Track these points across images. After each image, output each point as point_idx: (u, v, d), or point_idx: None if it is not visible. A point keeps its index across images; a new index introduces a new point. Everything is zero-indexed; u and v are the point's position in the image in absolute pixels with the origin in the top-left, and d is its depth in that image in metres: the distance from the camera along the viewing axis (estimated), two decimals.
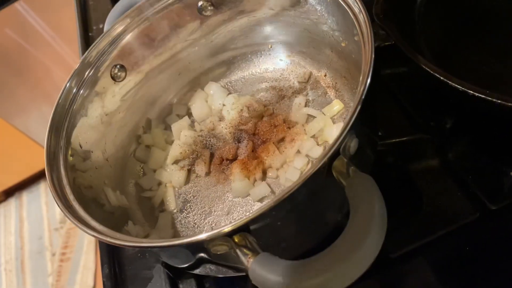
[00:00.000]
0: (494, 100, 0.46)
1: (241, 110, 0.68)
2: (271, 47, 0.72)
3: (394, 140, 0.59)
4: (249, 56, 0.73)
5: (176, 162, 0.68)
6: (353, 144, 0.43)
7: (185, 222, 0.62)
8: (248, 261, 0.39)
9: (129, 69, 0.67)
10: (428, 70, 0.51)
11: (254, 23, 0.69)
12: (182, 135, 0.69)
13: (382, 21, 0.58)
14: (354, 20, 0.50)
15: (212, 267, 0.50)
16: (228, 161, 0.64)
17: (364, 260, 0.36)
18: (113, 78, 0.65)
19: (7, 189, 2.19)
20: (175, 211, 0.63)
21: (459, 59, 0.63)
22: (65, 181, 0.53)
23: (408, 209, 0.56)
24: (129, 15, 0.66)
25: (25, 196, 2.22)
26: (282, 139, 0.63)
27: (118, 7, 0.69)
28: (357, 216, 0.38)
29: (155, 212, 0.64)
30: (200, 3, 0.67)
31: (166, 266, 0.59)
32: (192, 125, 0.71)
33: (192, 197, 0.64)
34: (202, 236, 0.40)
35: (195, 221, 0.62)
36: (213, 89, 0.72)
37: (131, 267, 0.63)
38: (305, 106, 0.66)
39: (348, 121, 0.41)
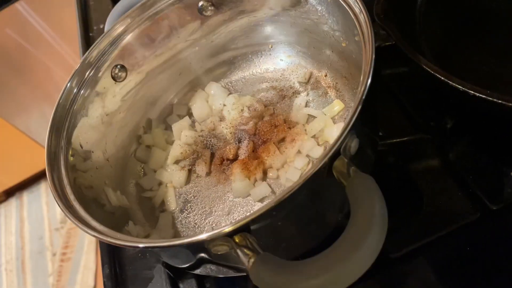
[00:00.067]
0: (495, 100, 0.46)
1: (242, 110, 0.68)
2: (271, 47, 0.72)
3: (394, 140, 0.59)
4: (250, 56, 0.73)
5: (176, 162, 0.68)
6: (353, 144, 0.43)
7: (185, 222, 0.62)
8: (249, 261, 0.39)
9: (130, 69, 0.67)
10: (429, 70, 0.51)
11: (254, 23, 0.69)
12: (182, 135, 0.69)
13: (383, 21, 0.58)
14: (354, 20, 0.50)
15: (213, 267, 0.50)
16: (228, 161, 0.64)
17: (364, 260, 0.36)
18: (113, 78, 0.65)
19: (8, 189, 2.20)
20: (175, 211, 0.63)
21: (459, 59, 0.63)
22: (65, 181, 0.53)
23: (408, 209, 0.56)
24: (130, 15, 0.66)
25: (26, 196, 2.22)
26: (283, 139, 0.63)
27: (118, 7, 0.69)
28: (357, 216, 0.38)
29: (156, 212, 0.64)
30: (200, 3, 0.67)
31: (167, 266, 0.60)
32: (192, 125, 0.71)
33: (192, 197, 0.64)
34: (203, 236, 0.40)
35: (196, 221, 0.62)
36: (214, 89, 0.72)
37: (132, 267, 0.63)
38: (306, 106, 0.66)
39: (348, 121, 0.41)
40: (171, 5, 0.67)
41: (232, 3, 0.67)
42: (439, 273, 0.50)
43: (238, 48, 0.73)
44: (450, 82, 0.49)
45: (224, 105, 0.70)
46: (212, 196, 0.63)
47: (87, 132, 0.61)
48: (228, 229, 0.40)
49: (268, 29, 0.70)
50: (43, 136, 0.56)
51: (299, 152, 0.61)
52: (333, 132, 0.60)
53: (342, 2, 0.53)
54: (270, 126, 0.64)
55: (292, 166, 0.60)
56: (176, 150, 0.68)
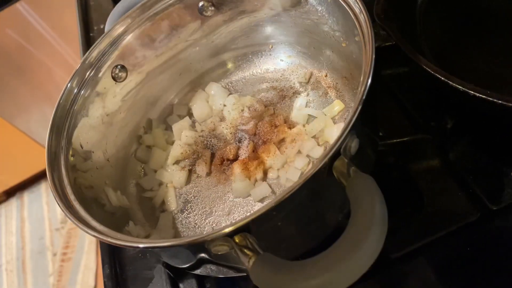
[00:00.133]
0: (495, 100, 0.46)
1: (242, 110, 0.68)
2: (271, 47, 0.72)
3: (394, 140, 0.59)
4: (250, 56, 0.73)
5: (177, 162, 0.68)
6: (353, 144, 0.43)
7: (186, 222, 0.62)
8: (249, 261, 0.39)
9: (130, 70, 0.67)
10: (429, 70, 0.51)
11: (255, 24, 0.69)
12: (183, 135, 0.69)
13: (383, 21, 0.58)
14: (355, 20, 0.50)
15: (213, 267, 0.50)
16: (229, 162, 0.64)
17: (364, 260, 0.36)
18: (114, 78, 0.65)
19: (8, 189, 2.20)
20: (176, 211, 0.63)
21: (459, 59, 0.63)
22: (66, 181, 0.53)
23: (408, 209, 0.56)
24: (130, 16, 0.66)
25: (26, 196, 2.22)
26: (283, 140, 0.63)
27: (119, 7, 0.69)
28: (357, 216, 0.38)
29: (156, 212, 0.64)
30: (201, 4, 0.67)
31: (167, 266, 0.60)
32: (193, 126, 0.71)
33: (193, 197, 0.64)
34: (203, 236, 0.40)
35: (196, 221, 0.62)
36: (214, 90, 0.72)
37: (132, 267, 0.63)
38: (306, 106, 0.66)
39: (349, 121, 0.41)
40: (171, 5, 0.67)
41: (233, 3, 0.67)
42: (439, 273, 0.50)
43: (238, 48, 0.73)
44: (450, 82, 0.49)
45: (225, 105, 0.70)
46: (213, 196, 0.63)
47: (88, 132, 0.62)
48: (228, 229, 0.40)
49: (269, 29, 0.70)
50: (44, 136, 0.56)
51: (299, 152, 0.61)
52: (333, 132, 0.60)
53: (342, 3, 0.53)
54: (270, 126, 0.64)
55: (292, 166, 0.60)
56: (176, 150, 0.68)
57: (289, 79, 0.70)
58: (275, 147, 0.62)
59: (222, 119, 0.70)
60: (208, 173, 0.65)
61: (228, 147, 0.65)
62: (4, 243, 2.11)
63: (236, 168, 0.61)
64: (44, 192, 2.20)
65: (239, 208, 0.60)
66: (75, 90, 0.61)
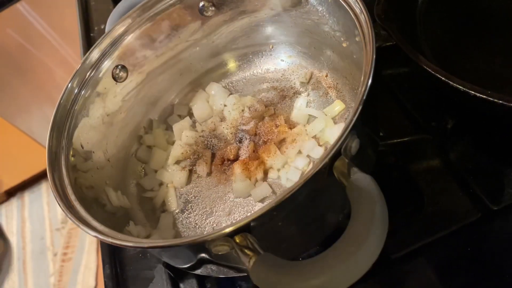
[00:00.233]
0: (496, 100, 0.46)
1: (242, 110, 0.68)
2: (272, 47, 0.72)
3: (395, 141, 0.59)
4: (251, 56, 0.73)
5: (177, 162, 0.68)
6: (354, 145, 0.43)
7: (186, 222, 0.62)
8: (249, 261, 0.39)
9: (131, 70, 0.67)
10: (429, 70, 0.51)
11: (255, 24, 0.69)
12: (183, 135, 0.69)
13: (383, 21, 0.58)
14: (355, 20, 0.50)
15: (213, 267, 0.50)
16: (229, 162, 0.64)
17: (365, 260, 0.36)
18: (114, 78, 0.66)
19: (9, 189, 2.20)
20: (176, 211, 0.63)
21: (460, 59, 0.63)
22: (66, 181, 0.53)
23: (409, 209, 0.56)
24: (131, 16, 0.66)
25: (27, 196, 2.23)
26: (284, 140, 0.63)
27: (119, 7, 0.69)
28: (358, 216, 0.38)
29: (157, 212, 0.64)
30: (201, 4, 0.67)
31: (167, 266, 0.60)
32: (193, 126, 0.71)
33: (193, 197, 0.64)
34: (203, 236, 0.40)
35: (197, 221, 0.62)
36: (215, 90, 0.72)
37: (133, 267, 0.63)
38: (307, 106, 0.66)
39: (349, 121, 0.41)
40: (171, 5, 0.67)
41: (233, 4, 0.67)
42: (440, 273, 0.50)
43: (238, 48, 0.73)
44: (451, 83, 0.49)
45: (225, 105, 0.70)
46: (213, 196, 0.63)
47: (88, 133, 0.62)
48: (228, 229, 0.40)
49: (269, 30, 0.70)
50: (44, 136, 0.56)
51: (299, 152, 0.61)
52: (334, 132, 0.60)
53: (342, 3, 0.53)
54: (270, 126, 0.64)
55: (293, 167, 0.60)
56: (177, 151, 0.68)
57: (289, 79, 0.70)
58: (275, 147, 0.62)
59: (223, 119, 0.70)
60: (209, 173, 0.66)
61: (228, 147, 0.65)
62: None
63: (237, 168, 0.61)
64: (45, 192, 2.20)
65: (240, 208, 0.60)
66: (76, 90, 0.61)
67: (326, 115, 0.63)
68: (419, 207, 0.55)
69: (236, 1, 0.67)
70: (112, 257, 0.64)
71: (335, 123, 0.62)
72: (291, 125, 0.64)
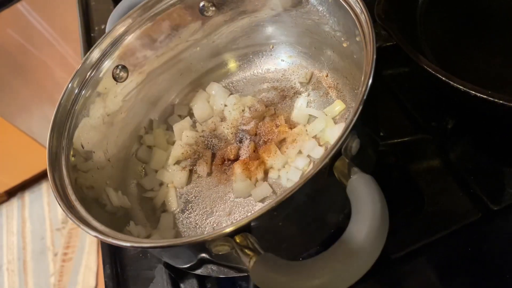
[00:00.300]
0: (496, 100, 0.46)
1: (243, 110, 0.68)
2: (272, 47, 0.72)
3: (395, 141, 0.59)
4: (251, 56, 0.73)
5: (177, 162, 0.68)
6: (354, 145, 0.43)
7: (186, 222, 0.62)
8: (250, 261, 0.39)
9: (131, 70, 0.67)
10: (430, 70, 0.51)
11: (255, 24, 0.69)
12: (183, 135, 0.69)
13: (384, 21, 0.58)
14: (355, 20, 0.50)
15: (214, 267, 0.50)
16: (229, 162, 0.65)
17: (365, 260, 0.36)
18: (115, 78, 0.66)
19: (10, 189, 2.20)
20: (176, 211, 0.64)
21: (460, 59, 0.63)
22: (67, 181, 0.53)
23: (409, 209, 0.56)
24: (131, 16, 0.66)
25: (27, 196, 2.23)
26: (284, 140, 0.63)
27: (119, 7, 0.69)
28: (358, 216, 0.38)
29: (157, 212, 0.64)
30: (202, 4, 0.67)
31: (168, 266, 0.60)
32: (193, 126, 0.71)
33: (193, 197, 0.64)
34: (204, 236, 0.40)
35: (197, 221, 0.62)
36: (215, 90, 0.72)
37: (133, 267, 0.63)
38: (307, 106, 0.66)
39: (349, 121, 0.41)
40: (172, 5, 0.67)
41: (233, 4, 0.68)
42: (440, 274, 0.50)
43: (239, 48, 0.73)
44: (451, 83, 0.49)
45: (225, 105, 0.70)
46: (213, 196, 0.63)
47: (89, 133, 0.62)
48: (229, 229, 0.40)
49: (269, 30, 0.70)
50: (45, 136, 0.56)
51: (300, 152, 0.61)
52: (334, 132, 0.60)
53: (343, 3, 0.53)
54: (271, 126, 0.64)
55: (293, 167, 0.60)
56: (177, 151, 0.68)
57: (290, 79, 0.70)
58: (276, 147, 0.62)
59: (223, 119, 0.70)
60: (209, 173, 0.66)
61: (229, 147, 0.65)
62: (5, 243, 2.11)
63: (237, 168, 0.61)
64: (45, 192, 2.20)
65: (240, 208, 0.60)
66: (76, 90, 0.61)
67: (326, 115, 0.63)
68: (419, 207, 0.55)
69: (237, 1, 0.67)
70: (113, 257, 0.64)
71: (335, 123, 0.62)
72: (292, 125, 0.64)
